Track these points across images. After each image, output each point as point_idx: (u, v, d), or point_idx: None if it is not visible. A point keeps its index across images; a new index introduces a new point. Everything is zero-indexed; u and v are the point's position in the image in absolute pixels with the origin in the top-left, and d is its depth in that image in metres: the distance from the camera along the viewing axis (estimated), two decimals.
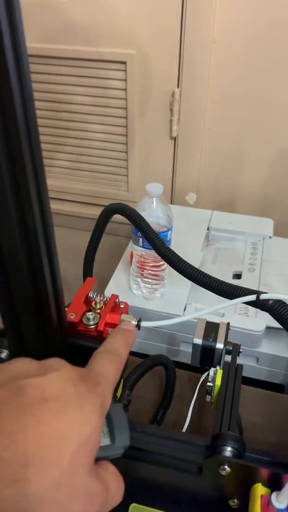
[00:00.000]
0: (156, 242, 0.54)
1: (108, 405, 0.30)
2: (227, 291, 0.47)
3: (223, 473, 0.37)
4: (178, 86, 1.04)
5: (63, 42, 1.05)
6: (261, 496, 0.36)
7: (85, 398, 0.28)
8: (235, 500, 0.37)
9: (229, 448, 0.38)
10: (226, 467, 0.37)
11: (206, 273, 0.50)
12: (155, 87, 1.06)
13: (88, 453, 0.27)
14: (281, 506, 0.34)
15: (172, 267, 0.55)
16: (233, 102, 1.04)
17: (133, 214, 0.61)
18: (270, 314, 0.41)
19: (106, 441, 0.31)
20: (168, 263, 0.55)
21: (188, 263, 0.54)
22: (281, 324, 0.40)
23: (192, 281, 0.53)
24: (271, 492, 0.36)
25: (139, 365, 0.62)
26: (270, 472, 0.36)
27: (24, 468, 0.24)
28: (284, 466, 0.36)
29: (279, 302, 0.37)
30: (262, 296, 0.39)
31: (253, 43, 0.95)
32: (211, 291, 0.51)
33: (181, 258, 0.53)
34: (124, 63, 1.03)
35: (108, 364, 0.32)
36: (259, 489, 0.36)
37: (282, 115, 1.03)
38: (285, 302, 0.35)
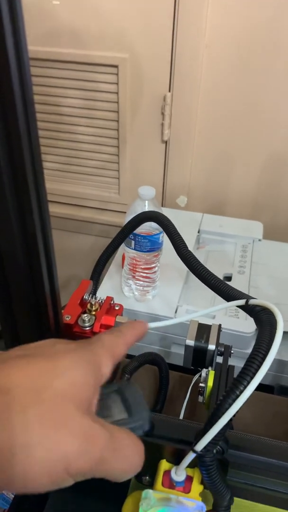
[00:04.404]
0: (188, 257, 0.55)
1: (103, 363, 0.30)
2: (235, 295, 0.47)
3: None
4: (169, 90, 1.05)
5: (55, 45, 1.05)
6: (165, 472, 0.37)
7: (72, 350, 0.29)
8: (147, 478, 0.39)
9: None
10: None
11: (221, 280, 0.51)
12: (147, 90, 1.06)
13: (76, 393, 0.27)
14: (179, 479, 0.36)
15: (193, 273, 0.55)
16: (224, 106, 1.05)
17: (165, 221, 0.63)
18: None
19: (122, 416, 0.31)
20: (188, 267, 0.56)
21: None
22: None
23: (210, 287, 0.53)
24: None
25: (138, 356, 0.64)
26: (174, 448, 0.38)
27: (5, 396, 0.24)
28: (186, 443, 0.37)
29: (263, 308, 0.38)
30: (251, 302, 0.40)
31: (244, 48, 0.97)
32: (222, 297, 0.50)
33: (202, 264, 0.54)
34: (116, 66, 1.04)
35: (105, 334, 0.33)
36: (163, 465, 0.38)
37: (272, 120, 1.04)
38: (267, 309, 0.36)
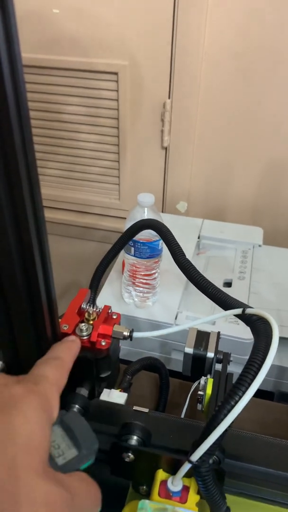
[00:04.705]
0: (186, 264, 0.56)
1: (54, 405, 0.28)
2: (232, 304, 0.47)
3: (127, 460, 0.39)
4: (169, 97, 1.05)
5: (56, 53, 1.06)
6: (161, 482, 0.37)
7: (21, 399, 0.27)
8: (144, 487, 0.39)
9: (135, 437, 0.41)
10: (129, 454, 0.39)
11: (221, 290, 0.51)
12: (146, 97, 1.07)
13: (34, 455, 0.25)
14: (176, 489, 0.36)
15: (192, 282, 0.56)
16: (224, 112, 1.06)
17: (163, 228, 0.63)
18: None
19: (72, 452, 0.29)
20: (186, 276, 0.56)
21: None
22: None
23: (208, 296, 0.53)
24: None
25: (140, 359, 0.64)
26: (171, 458, 0.38)
27: None
28: (183, 453, 0.37)
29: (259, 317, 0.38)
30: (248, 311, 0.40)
31: (242, 56, 0.97)
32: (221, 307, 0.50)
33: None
34: (116, 73, 1.04)
35: (47, 367, 0.32)
36: (160, 475, 0.38)
37: (270, 126, 1.05)
38: (263, 318, 0.36)
